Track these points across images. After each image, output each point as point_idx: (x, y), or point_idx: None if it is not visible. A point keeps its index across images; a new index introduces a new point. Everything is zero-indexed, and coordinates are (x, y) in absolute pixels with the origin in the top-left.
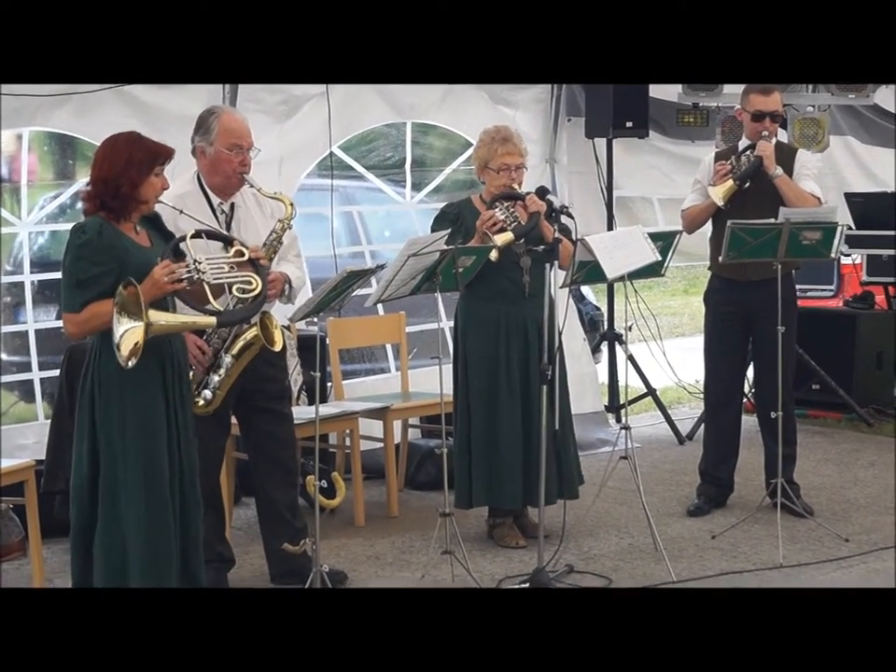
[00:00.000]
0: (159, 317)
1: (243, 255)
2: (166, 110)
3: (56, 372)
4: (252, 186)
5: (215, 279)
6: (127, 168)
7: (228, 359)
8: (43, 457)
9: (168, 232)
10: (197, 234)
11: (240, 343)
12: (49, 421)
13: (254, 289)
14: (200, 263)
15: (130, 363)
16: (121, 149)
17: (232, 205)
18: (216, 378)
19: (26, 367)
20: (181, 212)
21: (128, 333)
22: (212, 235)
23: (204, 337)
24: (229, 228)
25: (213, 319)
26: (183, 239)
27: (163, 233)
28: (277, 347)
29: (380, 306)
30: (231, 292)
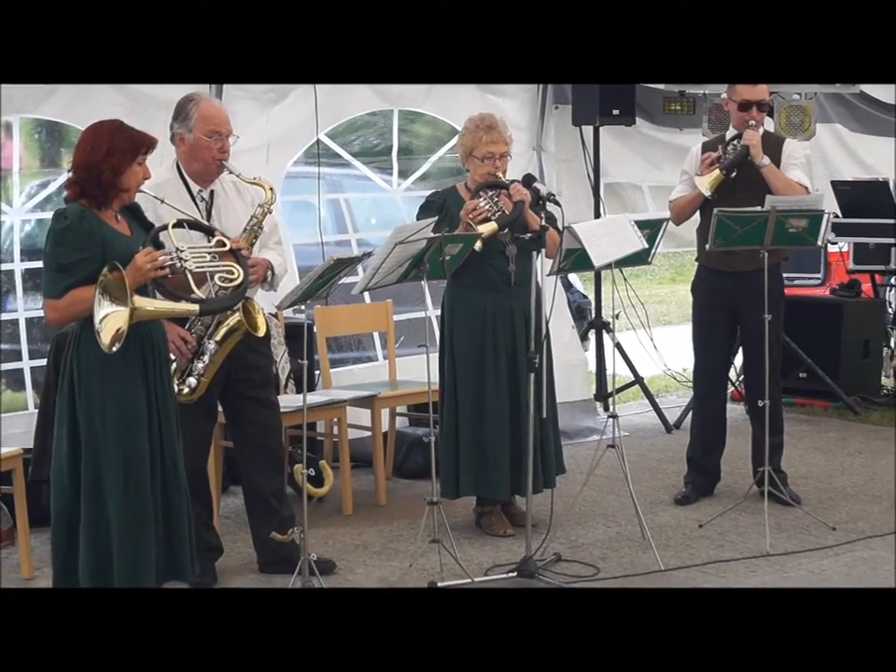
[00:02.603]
0: (144, 303)
1: (224, 245)
2: (155, 97)
3: (45, 361)
4: (232, 172)
5: (197, 268)
6: (109, 156)
7: (211, 346)
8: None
9: (148, 223)
10: (178, 224)
11: (223, 330)
12: (38, 410)
13: (236, 278)
14: (182, 252)
15: (114, 348)
16: (104, 137)
17: (212, 193)
18: (200, 365)
19: (14, 355)
20: (162, 201)
21: (110, 318)
22: (193, 225)
23: (187, 325)
24: (209, 215)
25: (196, 307)
26: (164, 228)
27: (143, 223)
28: (261, 332)
29: (367, 294)
30: (213, 281)
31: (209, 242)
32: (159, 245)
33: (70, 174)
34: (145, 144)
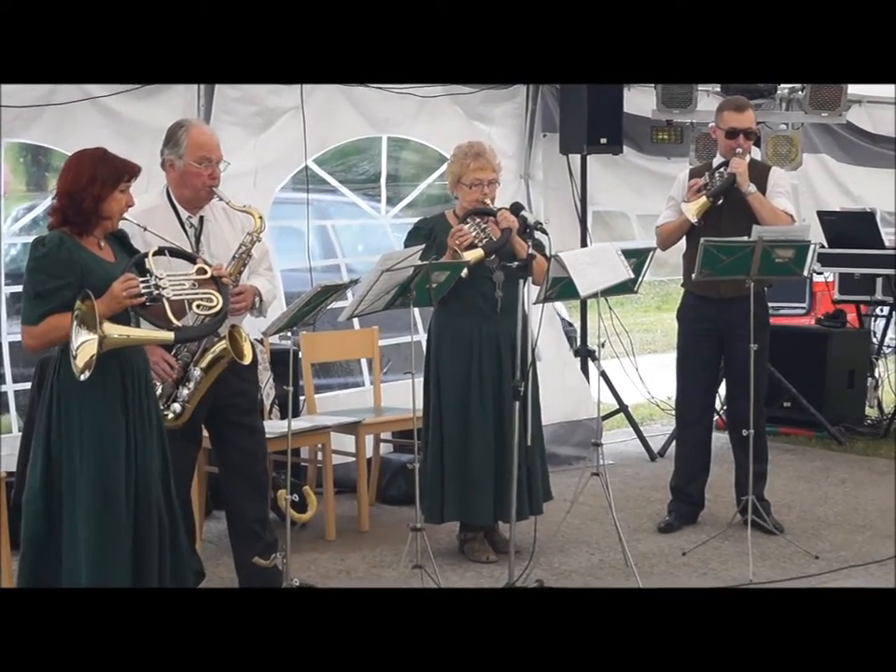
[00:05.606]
0: (113, 331)
1: (205, 272)
2: (141, 122)
3: (29, 385)
4: (221, 199)
5: (175, 295)
6: (91, 184)
7: (197, 373)
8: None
9: (133, 249)
10: (160, 251)
11: (209, 357)
12: (22, 433)
13: (214, 307)
14: (161, 279)
15: (83, 375)
16: (86, 165)
17: (202, 219)
18: (185, 391)
19: None
20: (145, 229)
21: (84, 345)
22: (175, 253)
23: (173, 351)
24: (198, 242)
25: (170, 335)
26: (146, 255)
27: (128, 250)
28: (246, 360)
29: (353, 320)
30: (191, 309)
31: (190, 268)
32: (143, 272)
33: (54, 200)
34: (128, 172)
